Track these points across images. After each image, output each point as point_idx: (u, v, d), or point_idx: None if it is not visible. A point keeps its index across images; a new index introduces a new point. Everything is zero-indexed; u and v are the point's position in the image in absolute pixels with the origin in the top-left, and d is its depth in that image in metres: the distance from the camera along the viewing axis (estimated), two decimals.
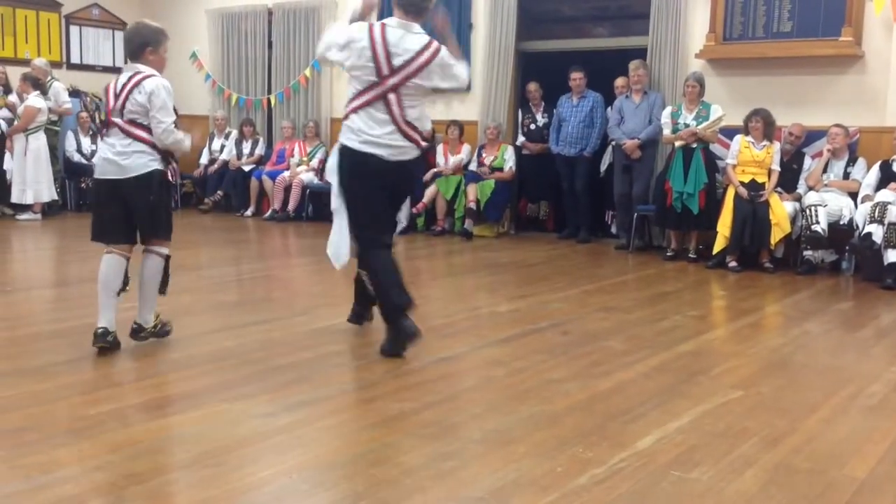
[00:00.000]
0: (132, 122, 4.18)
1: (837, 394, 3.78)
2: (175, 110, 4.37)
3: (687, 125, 7.55)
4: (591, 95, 8.65)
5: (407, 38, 4.22)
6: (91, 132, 10.69)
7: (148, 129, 4.20)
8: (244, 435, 3.08)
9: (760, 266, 7.14)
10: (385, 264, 4.29)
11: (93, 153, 10.57)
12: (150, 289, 4.33)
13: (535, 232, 9.43)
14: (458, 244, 8.52)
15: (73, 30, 11.45)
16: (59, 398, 3.44)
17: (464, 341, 4.65)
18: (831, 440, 3.20)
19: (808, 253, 7.04)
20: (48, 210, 9.74)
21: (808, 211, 6.96)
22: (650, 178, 8.14)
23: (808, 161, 7.42)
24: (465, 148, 9.27)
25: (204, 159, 10.99)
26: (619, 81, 8.38)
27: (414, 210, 9.16)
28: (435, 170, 9.23)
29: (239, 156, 10.76)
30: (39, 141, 9.48)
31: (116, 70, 11.90)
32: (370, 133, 4.21)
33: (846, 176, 7.22)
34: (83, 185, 10.50)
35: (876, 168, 7.00)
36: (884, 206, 6.56)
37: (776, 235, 7.04)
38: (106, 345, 4.10)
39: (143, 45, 4.22)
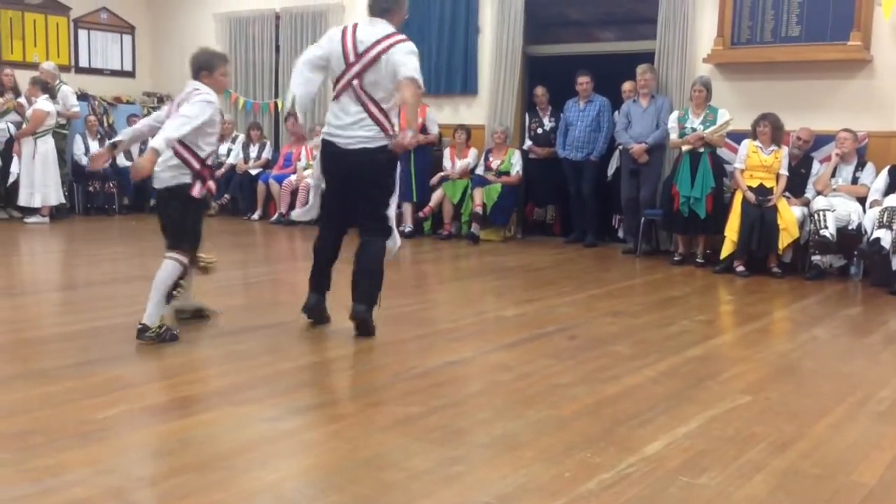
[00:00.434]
0: None
1: (846, 399, 3.76)
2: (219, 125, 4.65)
3: (694, 129, 7.54)
4: (598, 100, 8.65)
5: (370, 30, 4.57)
6: (99, 136, 10.72)
7: (186, 145, 4.38)
8: (251, 438, 3.08)
9: (768, 271, 7.12)
10: (314, 256, 4.76)
11: None
12: (158, 291, 4.39)
13: (541, 236, 9.43)
14: (465, 248, 8.52)
15: (82, 33, 11.50)
16: (67, 401, 3.44)
17: (471, 345, 4.64)
18: (840, 446, 3.19)
19: (816, 258, 7.02)
20: (56, 213, 9.77)
21: (816, 216, 6.94)
22: (657, 183, 8.13)
23: (816, 166, 7.40)
24: (472, 152, 9.27)
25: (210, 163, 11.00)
26: (627, 86, 8.38)
27: (421, 214, 9.19)
28: (442, 174, 9.24)
29: (246, 159, 10.79)
30: (48, 144, 9.51)
31: (125, 73, 11.97)
32: (335, 124, 4.63)
33: (855, 181, 7.20)
34: (91, 188, 10.54)
35: (884, 173, 6.97)
36: (892, 211, 6.53)
37: (784, 240, 7.02)
38: (180, 320, 4.61)
39: (198, 69, 4.59)
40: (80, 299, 5.82)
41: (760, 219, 7.03)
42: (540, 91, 9.13)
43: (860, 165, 7.23)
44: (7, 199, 9.73)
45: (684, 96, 8.00)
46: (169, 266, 4.42)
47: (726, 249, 7.21)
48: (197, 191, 4.40)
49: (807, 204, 7.20)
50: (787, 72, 7.69)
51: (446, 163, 9.31)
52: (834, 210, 6.93)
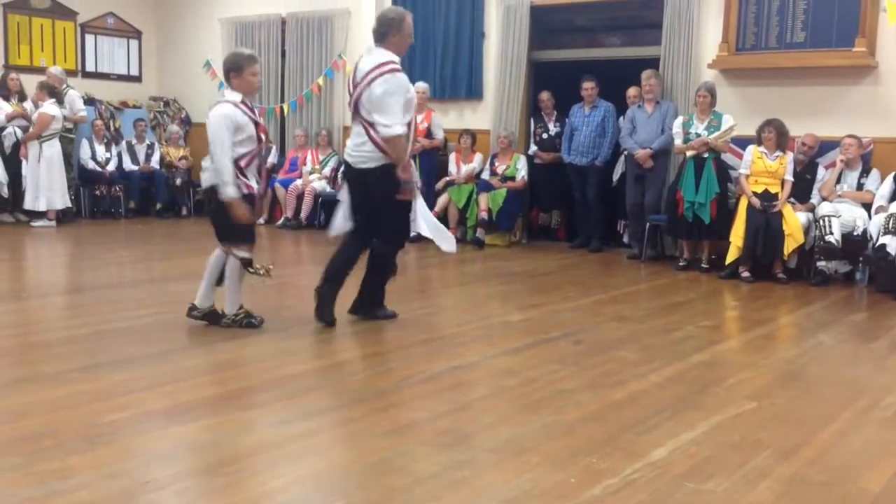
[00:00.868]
0: None
1: (852, 406, 3.76)
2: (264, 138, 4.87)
3: (698, 135, 7.54)
4: (603, 105, 8.66)
5: (368, 59, 4.93)
6: (105, 140, 10.76)
7: None
8: (258, 443, 3.09)
9: (773, 277, 7.12)
10: (334, 252, 5.12)
11: (107, 161, 10.66)
12: (229, 284, 4.82)
13: (546, 241, 9.42)
14: (470, 253, 8.52)
15: (89, 38, 11.54)
16: (74, 405, 3.46)
17: (476, 350, 4.65)
18: (846, 453, 3.18)
19: (821, 264, 7.01)
20: (62, 217, 9.80)
21: (821, 221, 6.93)
22: (662, 188, 8.13)
23: (821, 171, 7.40)
24: (478, 157, 9.28)
25: None
26: (632, 91, 8.38)
27: None
28: (447, 178, 9.25)
29: None
30: (53, 148, 9.54)
31: (131, 78, 12.01)
32: (349, 144, 5.04)
33: (860, 187, 7.20)
34: (97, 192, 10.57)
35: (890, 179, 6.97)
36: None
37: (789, 246, 7.01)
38: (190, 317, 4.86)
39: (227, 71, 4.76)
40: (86, 303, 5.83)
41: (766, 224, 7.03)
42: (545, 96, 9.14)
43: (865, 171, 7.22)
44: (14, 203, 9.76)
45: (689, 102, 8.00)
46: (231, 262, 4.78)
47: (731, 255, 7.21)
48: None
49: (812, 210, 7.20)
50: (792, 78, 7.69)
51: (451, 168, 9.32)
52: (839, 216, 6.92)
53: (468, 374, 4.19)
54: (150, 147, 11.11)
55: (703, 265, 7.63)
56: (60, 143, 9.67)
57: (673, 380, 4.09)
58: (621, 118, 8.55)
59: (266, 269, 4.91)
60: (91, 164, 10.54)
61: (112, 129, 11.10)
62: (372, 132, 4.81)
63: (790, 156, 7.32)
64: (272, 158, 10.81)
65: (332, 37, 10.42)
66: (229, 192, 4.57)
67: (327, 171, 10.25)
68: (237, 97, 4.71)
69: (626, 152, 8.38)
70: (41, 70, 10.42)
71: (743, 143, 7.56)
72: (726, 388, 4.00)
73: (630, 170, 8.31)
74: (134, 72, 12.06)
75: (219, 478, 2.77)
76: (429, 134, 9.04)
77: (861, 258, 6.92)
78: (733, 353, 4.90)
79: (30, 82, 10.00)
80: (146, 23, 12.07)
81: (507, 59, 9.18)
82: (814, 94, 7.64)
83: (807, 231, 7.09)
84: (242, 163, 4.68)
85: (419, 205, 5.09)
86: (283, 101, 10.95)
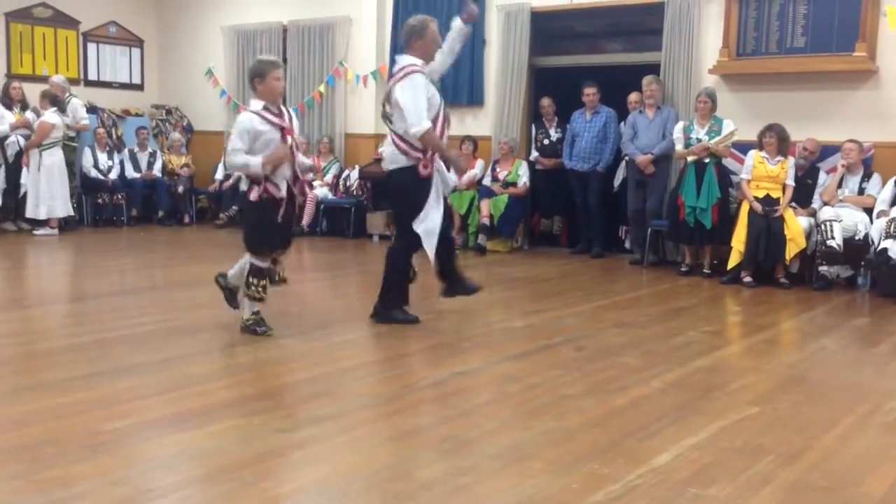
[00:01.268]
0: None
1: (854, 411, 3.75)
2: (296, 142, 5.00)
3: (699, 140, 7.55)
4: (604, 111, 8.67)
5: (395, 67, 5.21)
6: (108, 148, 10.79)
7: None
8: (261, 450, 3.09)
9: (775, 281, 7.11)
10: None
11: (109, 169, 10.68)
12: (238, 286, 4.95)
13: (548, 247, 9.43)
14: (472, 259, 8.52)
15: (91, 47, 11.58)
16: (77, 413, 3.46)
17: (478, 357, 4.65)
18: (848, 458, 3.18)
19: (823, 268, 7.01)
20: (65, 225, 9.82)
21: (823, 226, 6.93)
22: (664, 193, 8.14)
23: (822, 176, 7.40)
24: (479, 163, 9.29)
25: (219, 175, 11.07)
26: (633, 97, 8.40)
27: None
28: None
29: None
30: (54, 157, 9.55)
31: (134, 86, 12.05)
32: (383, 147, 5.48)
33: (861, 191, 7.20)
34: (100, 200, 10.59)
35: (891, 183, 6.97)
36: None
37: (791, 251, 7.02)
38: (216, 281, 5.15)
39: (252, 78, 4.83)
40: (88, 311, 5.84)
41: (767, 229, 7.03)
42: (546, 102, 9.16)
43: (866, 176, 7.23)
44: (17, 212, 9.78)
45: (690, 107, 8.01)
46: (240, 264, 4.90)
47: (733, 260, 7.21)
48: (254, 195, 4.76)
49: (813, 214, 7.20)
50: (793, 82, 7.70)
51: (452, 174, 9.30)
52: (841, 220, 6.93)
53: (470, 381, 4.19)
54: (153, 155, 11.13)
55: (705, 270, 7.63)
56: (63, 151, 9.70)
57: (675, 385, 4.09)
58: (622, 124, 8.56)
59: (261, 291, 4.87)
60: (93, 173, 10.56)
61: (114, 137, 11.13)
62: (393, 135, 5.13)
63: (791, 160, 7.33)
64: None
65: (333, 44, 10.45)
66: (254, 170, 4.66)
67: (329, 178, 10.26)
68: (259, 105, 4.79)
69: (627, 158, 8.39)
70: (44, 79, 10.45)
71: (744, 148, 7.56)
72: (728, 393, 4.00)
73: (631, 175, 8.32)
74: (136, 80, 12.09)
75: (222, 485, 2.78)
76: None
77: (863, 263, 6.92)
78: (735, 358, 4.90)
79: (32, 91, 10.03)
80: (148, 31, 12.11)
81: (508, 66, 9.20)
82: (814, 99, 7.65)
83: (808, 236, 7.09)
84: (268, 169, 4.74)
85: (433, 210, 5.15)
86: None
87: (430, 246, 5.13)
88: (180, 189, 11.15)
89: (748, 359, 4.83)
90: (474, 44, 9.41)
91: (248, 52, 11.15)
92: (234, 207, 10.77)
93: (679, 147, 7.72)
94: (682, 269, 7.78)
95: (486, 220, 8.86)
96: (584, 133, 8.68)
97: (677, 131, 7.77)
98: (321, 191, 10.13)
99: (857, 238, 6.96)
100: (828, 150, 7.46)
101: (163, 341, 4.76)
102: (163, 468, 2.93)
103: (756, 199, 7.22)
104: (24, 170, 9.59)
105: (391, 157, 5.18)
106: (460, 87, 9.50)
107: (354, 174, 10.07)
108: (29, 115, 9.77)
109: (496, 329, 5.45)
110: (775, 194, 7.23)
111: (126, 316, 5.46)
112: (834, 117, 7.55)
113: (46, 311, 5.87)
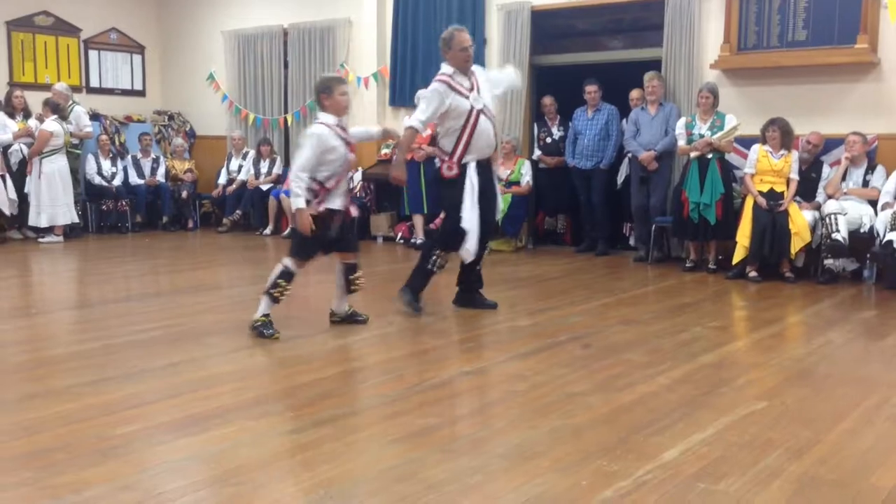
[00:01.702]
0: None
1: (862, 404, 3.75)
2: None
3: (701, 135, 7.55)
4: (606, 108, 8.67)
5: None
6: (111, 155, 10.81)
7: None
8: (269, 452, 3.10)
9: (781, 276, 7.10)
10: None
11: (113, 175, 10.71)
12: (265, 289, 4.99)
13: (552, 246, 9.43)
14: None
15: (92, 54, 11.60)
16: (86, 419, 3.48)
17: (485, 356, 4.65)
18: (857, 450, 3.18)
19: (828, 262, 7.00)
20: (70, 232, 9.84)
21: (827, 219, 6.92)
22: (667, 190, 8.13)
23: (826, 169, 7.39)
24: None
25: (222, 179, 11.09)
26: (634, 93, 8.39)
27: (431, 226, 9.19)
28: None
29: (257, 175, 10.84)
30: (53, 164, 9.55)
31: (135, 92, 12.06)
32: None
33: (865, 184, 7.19)
34: (104, 207, 10.61)
35: (895, 175, 6.96)
36: None
37: (796, 245, 7.00)
38: (332, 322, 5.28)
39: (318, 94, 4.98)
40: (95, 317, 5.86)
41: (772, 224, 7.02)
42: (548, 101, 9.15)
43: (870, 168, 7.21)
44: (22, 220, 9.81)
45: (692, 103, 8.00)
46: (276, 267, 4.99)
47: (738, 255, 7.21)
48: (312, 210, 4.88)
49: (818, 208, 7.19)
50: (795, 76, 7.69)
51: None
52: (845, 213, 6.91)
53: (477, 380, 4.20)
54: (156, 161, 11.15)
55: (710, 266, 7.62)
56: (67, 158, 9.73)
57: (682, 381, 4.08)
58: (624, 121, 8.56)
59: (284, 293, 5.01)
60: (97, 179, 10.58)
61: (117, 143, 11.15)
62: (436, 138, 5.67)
63: (795, 154, 7.31)
64: (277, 169, 10.85)
65: (333, 47, 10.46)
66: (297, 202, 4.82)
67: None
68: (332, 119, 4.91)
69: (629, 155, 8.38)
70: (46, 87, 10.48)
71: (747, 142, 7.56)
72: (736, 388, 4.00)
73: (634, 172, 8.31)
74: (138, 86, 12.12)
75: (231, 487, 2.78)
76: (433, 141, 9.03)
77: (868, 255, 6.90)
78: (742, 353, 4.89)
79: (35, 99, 10.05)
80: (149, 37, 12.14)
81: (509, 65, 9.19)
82: (817, 92, 7.64)
83: (813, 229, 7.08)
84: (330, 184, 4.88)
85: (468, 211, 5.46)
86: (286, 112, 10.98)
87: (470, 245, 5.50)
88: (184, 194, 11.17)
89: (755, 353, 4.83)
90: (475, 43, 9.39)
91: (248, 56, 11.18)
92: (237, 212, 10.80)
93: (682, 143, 7.72)
94: (687, 265, 7.78)
95: None
96: (586, 131, 8.68)
97: (679, 127, 7.76)
98: None
99: (862, 231, 6.95)
100: (831, 144, 7.45)
101: (169, 346, 4.77)
102: (172, 472, 2.94)
103: (760, 193, 7.21)
104: (28, 178, 9.61)
105: (436, 159, 5.75)
106: None
107: (358, 176, 10.06)
108: (32, 123, 9.80)
109: (502, 328, 5.45)
110: (779, 189, 7.22)
111: (132, 322, 5.47)
112: (836, 110, 7.53)
113: (53, 318, 5.89)
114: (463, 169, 5.48)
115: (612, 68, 8.86)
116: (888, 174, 7.07)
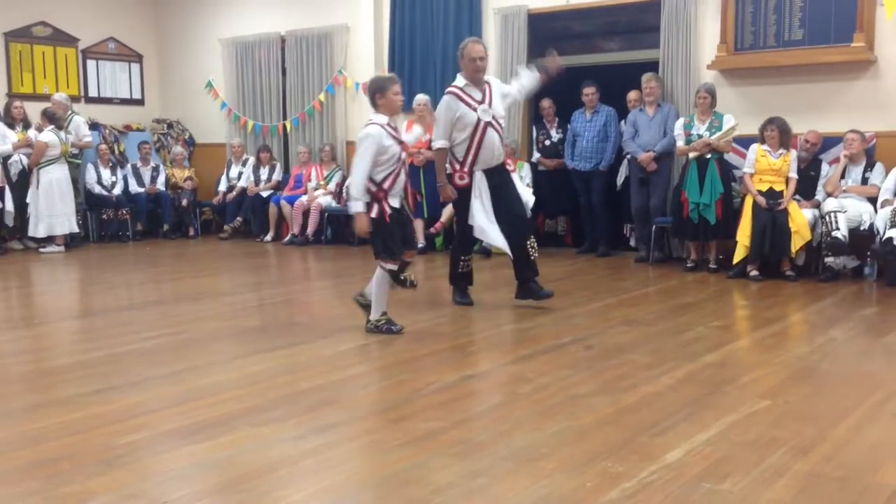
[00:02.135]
0: None
1: (866, 400, 3.75)
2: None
3: (700, 136, 7.56)
4: (604, 110, 8.68)
5: None
6: (111, 164, 10.82)
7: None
8: (274, 459, 3.11)
9: (782, 274, 7.11)
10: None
11: (113, 184, 10.72)
12: (376, 291, 5.12)
13: (553, 247, 9.42)
14: (477, 262, 8.45)
15: (91, 64, 11.62)
16: (91, 428, 3.48)
17: (488, 358, 4.66)
18: (862, 447, 3.18)
19: (829, 260, 7.01)
20: (70, 242, 9.85)
21: (827, 217, 6.93)
22: (667, 190, 8.14)
23: (825, 168, 7.40)
24: None
25: (222, 187, 11.10)
26: (632, 95, 8.41)
27: (432, 230, 9.21)
28: None
29: (257, 182, 10.85)
30: (51, 175, 9.56)
31: (134, 101, 12.07)
32: None
33: (864, 181, 7.20)
34: (104, 216, 10.62)
35: (894, 172, 6.97)
36: None
37: (796, 243, 7.01)
38: (354, 300, 5.37)
39: (373, 94, 5.05)
40: (97, 326, 5.86)
41: (772, 222, 7.03)
42: (546, 103, 9.16)
43: (869, 166, 7.22)
44: (23, 230, 9.82)
45: (690, 103, 8.02)
46: (378, 273, 5.09)
47: (739, 254, 7.21)
48: (374, 212, 4.94)
49: (817, 206, 7.20)
50: (792, 75, 7.71)
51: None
52: (845, 211, 6.92)
53: (481, 383, 4.20)
54: (156, 169, 11.17)
55: (711, 266, 7.63)
56: (67, 168, 9.74)
57: (685, 381, 4.09)
58: (623, 122, 8.57)
59: (410, 280, 5.23)
60: (97, 189, 10.59)
61: (117, 152, 11.16)
62: None
63: (794, 153, 7.33)
64: (276, 176, 10.86)
65: (331, 53, 10.48)
66: (356, 206, 4.91)
67: (332, 186, 10.27)
68: (384, 119, 4.97)
69: (629, 156, 8.39)
70: (45, 97, 10.50)
71: (746, 142, 7.57)
72: (739, 387, 4.00)
73: (634, 173, 8.32)
74: (136, 95, 12.13)
75: (236, 494, 2.79)
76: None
77: (869, 252, 6.91)
78: (745, 352, 4.90)
79: (34, 110, 10.07)
80: (147, 46, 12.15)
81: (506, 68, 9.19)
82: (814, 91, 7.65)
83: (813, 228, 7.09)
84: (386, 184, 4.94)
85: (478, 215, 5.73)
86: (285, 118, 11.00)
87: (490, 240, 5.90)
88: (184, 202, 11.18)
89: (757, 352, 4.83)
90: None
91: (246, 63, 11.20)
92: (238, 219, 10.81)
93: (680, 143, 7.73)
94: (688, 265, 7.78)
95: None
96: (584, 133, 8.69)
97: (678, 128, 7.77)
98: (325, 199, 10.15)
99: (862, 228, 6.96)
100: (829, 142, 7.46)
101: (172, 354, 4.78)
102: (178, 480, 2.94)
103: (759, 192, 7.22)
104: (30, 189, 9.63)
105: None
106: None
107: None
108: (31, 134, 9.81)
109: (505, 331, 5.45)
110: (778, 187, 7.23)
111: (135, 330, 5.48)
112: (834, 108, 7.55)
113: (56, 327, 5.90)
114: (472, 177, 5.77)
115: (609, 70, 8.87)
116: (887, 171, 7.09)
